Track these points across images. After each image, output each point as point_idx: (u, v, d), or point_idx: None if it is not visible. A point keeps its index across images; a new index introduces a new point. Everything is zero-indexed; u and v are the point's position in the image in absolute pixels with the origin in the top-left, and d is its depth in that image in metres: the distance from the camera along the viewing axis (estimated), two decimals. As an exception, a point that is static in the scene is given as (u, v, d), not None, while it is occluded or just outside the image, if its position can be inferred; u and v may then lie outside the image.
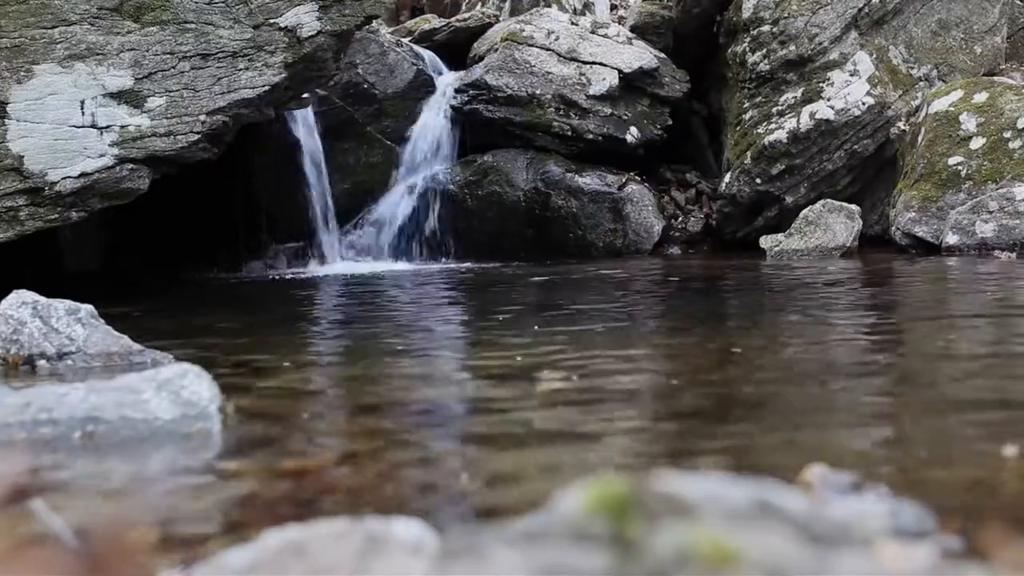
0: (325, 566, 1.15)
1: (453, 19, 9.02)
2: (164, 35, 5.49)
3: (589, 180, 8.01)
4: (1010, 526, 1.54)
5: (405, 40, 8.54)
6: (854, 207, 7.34)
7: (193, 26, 5.54)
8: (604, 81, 8.10)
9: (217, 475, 2.14)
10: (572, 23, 8.53)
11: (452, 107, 8.10)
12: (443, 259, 7.85)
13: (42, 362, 3.27)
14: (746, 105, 7.93)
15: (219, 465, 2.23)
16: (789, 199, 7.75)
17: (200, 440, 2.33)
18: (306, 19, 5.70)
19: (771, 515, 1.06)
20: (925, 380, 2.95)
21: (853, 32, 7.83)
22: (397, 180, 8.04)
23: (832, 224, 7.22)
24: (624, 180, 8.07)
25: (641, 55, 8.30)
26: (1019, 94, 7.21)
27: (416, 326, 4.80)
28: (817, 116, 7.63)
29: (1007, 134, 7.03)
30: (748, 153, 7.81)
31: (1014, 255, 6.48)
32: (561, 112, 8.05)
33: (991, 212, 6.71)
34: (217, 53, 5.55)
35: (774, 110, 7.81)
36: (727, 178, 7.95)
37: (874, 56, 7.80)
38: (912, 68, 7.91)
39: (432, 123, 8.10)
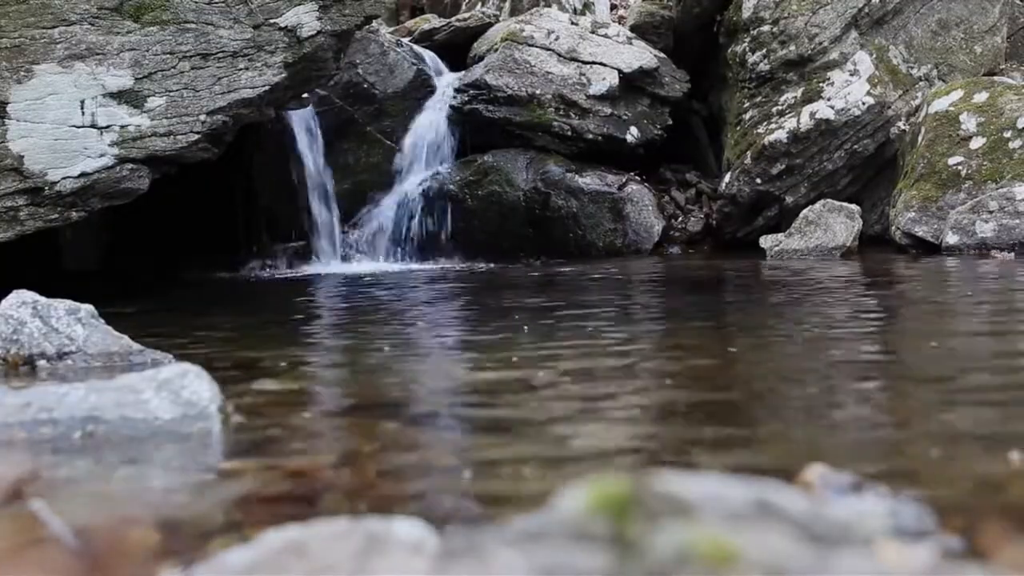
0: (325, 566, 1.15)
1: (453, 19, 9.02)
2: (164, 35, 5.49)
3: (589, 180, 8.00)
4: (1010, 526, 1.54)
5: (405, 40, 8.54)
6: (854, 207, 7.33)
7: (193, 26, 5.54)
8: (604, 81, 8.10)
9: (217, 475, 2.14)
10: (572, 23, 8.53)
11: (452, 107, 8.09)
12: (443, 259, 7.84)
13: (42, 362, 3.27)
14: (746, 105, 7.93)
15: (219, 465, 2.23)
16: (789, 199, 7.76)
17: (200, 440, 2.33)
18: (306, 19, 5.70)
19: (771, 515, 1.06)
20: (925, 379, 2.95)
21: (853, 32, 7.83)
22: (397, 180, 8.04)
23: (832, 224, 7.22)
24: (624, 180, 8.06)
25: (641, 55, 8.30)
26: (1019, 94, 7.21)
27: (416, 325, 4.80)
28: (817, 116, 7.63)
29: (1007, 134, 7.02)
30: (748, 153, 7.81)
31: (1012, 255, 6.47)
32: (561, 112, 8.04)
33: (991, 212, 6.71)
34: (217, 53, 5.55)
35: (774, 110, 7.81)
36: (727, 178, 7.95)
37: (874, 56, 7.80)
38: (912, 68, 7.91)
39: (432, 123, 8.09)
